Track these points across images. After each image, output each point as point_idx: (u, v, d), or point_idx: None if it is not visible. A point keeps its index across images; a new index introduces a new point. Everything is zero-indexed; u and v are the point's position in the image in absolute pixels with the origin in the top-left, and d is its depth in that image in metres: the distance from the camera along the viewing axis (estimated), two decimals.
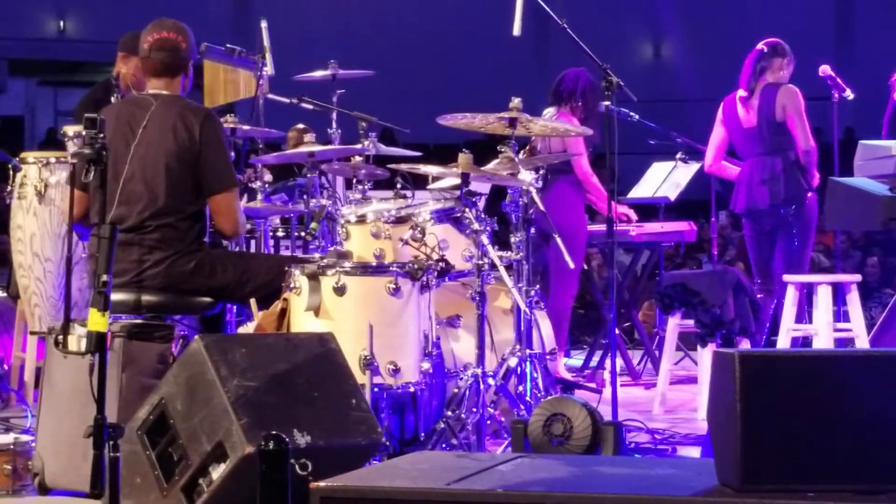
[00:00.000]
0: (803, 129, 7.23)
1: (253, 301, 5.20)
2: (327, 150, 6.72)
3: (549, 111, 8.28)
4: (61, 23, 21.84)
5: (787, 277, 7.02)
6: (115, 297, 4.90)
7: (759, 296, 7.21)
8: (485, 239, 5.37)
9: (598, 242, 8.11)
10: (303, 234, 6.23)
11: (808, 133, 7.24)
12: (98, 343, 4.11)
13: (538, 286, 6.08)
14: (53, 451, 4.72)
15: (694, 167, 8.51)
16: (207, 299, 5.24)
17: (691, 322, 6.98)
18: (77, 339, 4.77)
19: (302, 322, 5.12)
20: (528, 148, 8.14)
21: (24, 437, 4.83)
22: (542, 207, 6.11)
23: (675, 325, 6.96)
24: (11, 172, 6.36)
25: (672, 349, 7.06)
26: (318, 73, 7.32)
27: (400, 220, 5.54)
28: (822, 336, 6.78)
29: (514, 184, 5.72)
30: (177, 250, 5.15)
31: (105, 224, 4.10)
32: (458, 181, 6.12)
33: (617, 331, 8.58)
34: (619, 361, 8.22)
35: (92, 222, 5.04)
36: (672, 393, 7.26)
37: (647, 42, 21.49)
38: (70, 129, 6.15)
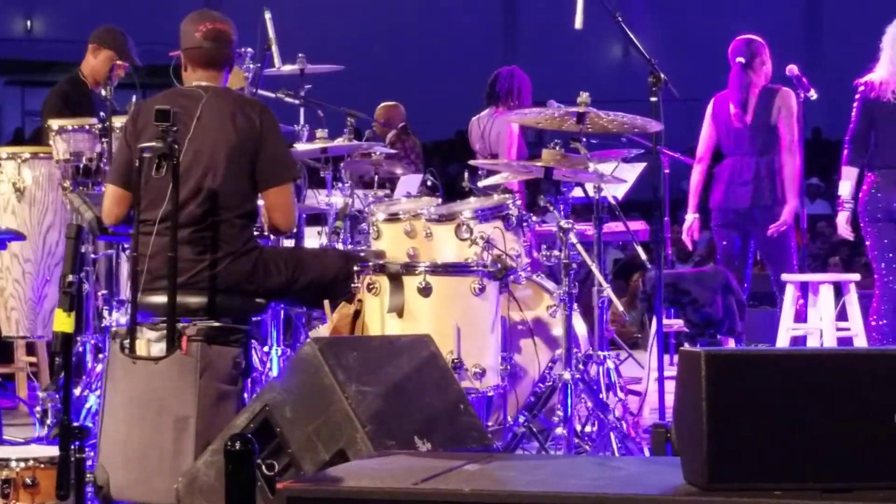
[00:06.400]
0: (790, 131, 7.23)
1: (326, 303, 4.99)
2: (342, 147, 6.60)
3: (486, 112, 8.33)
4: (28, 22, 21.74)
5: (785, 276, 7.01)
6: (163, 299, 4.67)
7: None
8: (573, 237, 5.23)
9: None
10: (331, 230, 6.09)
11: (795, 137, 7.23)
12: (64, 345, 4.04)
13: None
14: (122, 462, 4.48)
15: (639, 167, 8.44)
16: (261, 301, 4.93)
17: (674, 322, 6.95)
18: (146, 344, 4.63)
19: (381, 324, 4.95)
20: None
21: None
22: (613, 202, 5.98)
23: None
24: None
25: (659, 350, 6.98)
26: (287, 68, 7.18)
27: (443, 218, 5.33)
28: (826, 335, 6.77)
29: (593, 180, 5.58)
30: (234, 249, 4.84)
31: (73, 224, 4.06)
32: (498, 180, 6.06)
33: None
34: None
35: (140, 219, 4.79)
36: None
37: (616, 42, 21.52)
38: (55, 123, 5.92)
